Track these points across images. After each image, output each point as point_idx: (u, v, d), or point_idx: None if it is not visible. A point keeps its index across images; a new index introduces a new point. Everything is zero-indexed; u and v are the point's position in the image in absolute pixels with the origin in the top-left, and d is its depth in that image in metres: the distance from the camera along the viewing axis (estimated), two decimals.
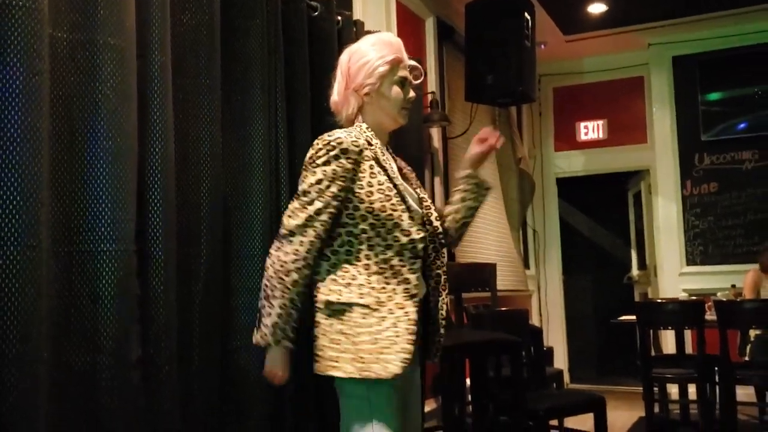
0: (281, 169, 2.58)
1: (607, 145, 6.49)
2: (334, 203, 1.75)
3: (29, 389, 1.63)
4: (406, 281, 1.78)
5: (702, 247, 5.92)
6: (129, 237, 1.95)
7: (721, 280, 5.26)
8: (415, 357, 1.79)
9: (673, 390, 5.05)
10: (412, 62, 1.95)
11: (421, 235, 1.82)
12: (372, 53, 1.85)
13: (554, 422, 4.15)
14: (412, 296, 1.78)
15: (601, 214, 7.80)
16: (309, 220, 1.73)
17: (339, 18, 3.08)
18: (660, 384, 4.73)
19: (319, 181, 1.75)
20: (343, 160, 1.76)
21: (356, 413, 1.75)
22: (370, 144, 1.82)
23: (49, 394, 1.71)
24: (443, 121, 4.46)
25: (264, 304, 1.75)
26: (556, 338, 6.53)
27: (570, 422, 3.96)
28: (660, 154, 6.13)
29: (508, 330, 3.43)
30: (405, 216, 1.79)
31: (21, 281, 1.63)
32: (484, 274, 4.21)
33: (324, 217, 1.74)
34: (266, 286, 1.76)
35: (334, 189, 1.75)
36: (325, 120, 2.88)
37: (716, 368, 4.45)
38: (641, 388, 4.41)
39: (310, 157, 1.79)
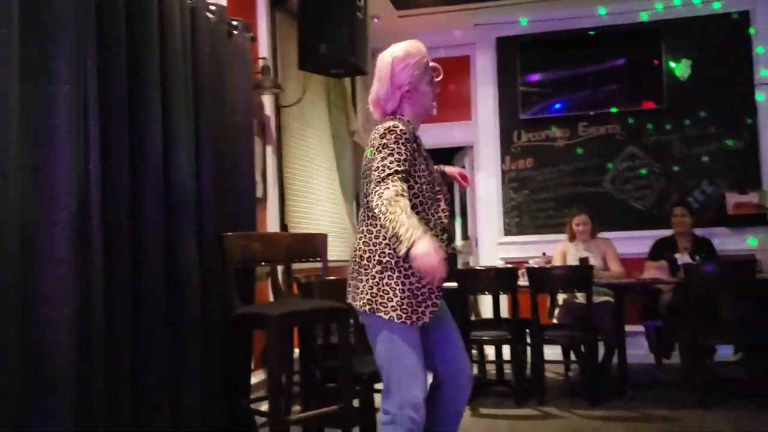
0: (90, 128, 2.39)
1: (436, 121, 6.66)
2: (405, 174, 2.19)
3: None
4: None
5: (518, 219, 6.36)
6: None
7: (534, 248, 5.68)
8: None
9: (490, 351, 5.41)
10: (434, 63, 2.40)
11: (447, 212, 2.35)
12: (410, 59, 2.32)
13: (381, 386, 4.30)
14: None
15: None
16: (398, 191, 2.10)
17: None
18: (478, 346, 5.05)
19: (398, 160, 2.16)
20: (408, 145, 2.22)
21: (386, 347, 2.26)
22: (414, 136, 2.30)
23: None
24: (275, 89, 4.38)
25: (395, 233, 2.06)
26: None
27: None
28: (483, 131, 6.48)
29: (337, 298, 3.47)
30: (441, 197, 2.34)
31: None
32: (315, 244, 4.21)
33: (402, 181, 2.15)
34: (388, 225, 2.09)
35: (406, 164, 2.19)
36: (146, 71, 2.74)
37: (528, 330, 4.83)
38: None
39: (382, 143, 2.19)
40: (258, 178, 4.20)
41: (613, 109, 6.16)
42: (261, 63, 4.37)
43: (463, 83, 6.63)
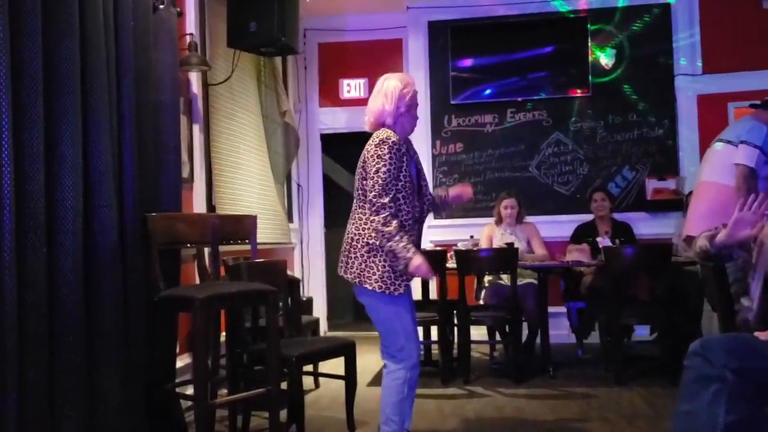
0: (2, 104, 2.26)
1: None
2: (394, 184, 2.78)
3: None
4: (410, 234, 2.81)
5: None
6: None
7: (462, 232, 5.77)
8: None
9: (419, 332, 5.46)
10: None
11: (419, 207, 2.89)
12: (411, 88, 2.95)
13: (310, 368, 4.30)
14: (413, 243, 2.81)
15: None
16: (388, 226, 2.74)
17: None
18: None
19: (386, 179, 2.74)
20: (398, 154, 2.77)
21: (385, 314, 2.87)
22: (401, 144, 2.82)
23: None
24: (202, 66, 4.26)
25: (393, 254, 2.76)
26: (316, 288, 6.73)
27: (327, 367, 4.12)
28: None
29: (265, 281, 3.44)
30: (415, 195, 2.86)
31: None
32: (244, 226, 4.15)
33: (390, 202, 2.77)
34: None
35: (395, 172, 2.76)
36: (63, 45, 2.61)
37: (455, 311, 4.91)
38: None
39: (377, 152, 2.77)
40: (184, 157, 4.10)
41: (541, 96, 6.30)
42: (188, 39, 4.24)
43: (395, 66, 6.62)
